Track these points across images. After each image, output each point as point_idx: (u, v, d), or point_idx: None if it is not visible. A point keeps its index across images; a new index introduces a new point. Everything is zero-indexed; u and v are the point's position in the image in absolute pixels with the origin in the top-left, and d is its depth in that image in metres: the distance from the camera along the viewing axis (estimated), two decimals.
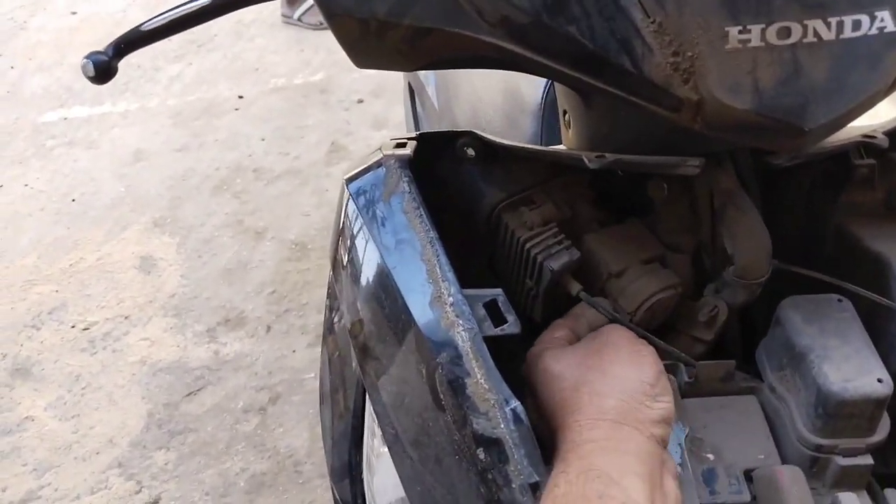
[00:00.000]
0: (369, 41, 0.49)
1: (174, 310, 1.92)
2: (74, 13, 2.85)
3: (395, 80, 1.85)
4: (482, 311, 0.50)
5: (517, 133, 1.03)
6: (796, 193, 0.64)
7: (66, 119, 2.48)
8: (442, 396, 0.47)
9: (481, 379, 0.46)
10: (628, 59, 0.42)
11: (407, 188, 0.52)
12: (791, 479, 0.52)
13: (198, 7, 0.57)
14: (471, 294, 0.50)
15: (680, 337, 0.62)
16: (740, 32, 0.40)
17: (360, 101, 2.45)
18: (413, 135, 0.62)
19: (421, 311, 0.49)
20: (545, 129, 0.92)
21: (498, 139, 0.61)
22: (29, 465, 1.64)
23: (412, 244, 0.51)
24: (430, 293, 0.49)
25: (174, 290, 1.97)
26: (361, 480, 0.56)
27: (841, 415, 0.52)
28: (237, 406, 1.73)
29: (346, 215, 0.55)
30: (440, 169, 0.63)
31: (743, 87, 0.41)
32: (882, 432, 0.53)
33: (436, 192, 0.64)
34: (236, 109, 2.47)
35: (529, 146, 0.60)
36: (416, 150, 0.60)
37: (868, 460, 0.53)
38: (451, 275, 0.49)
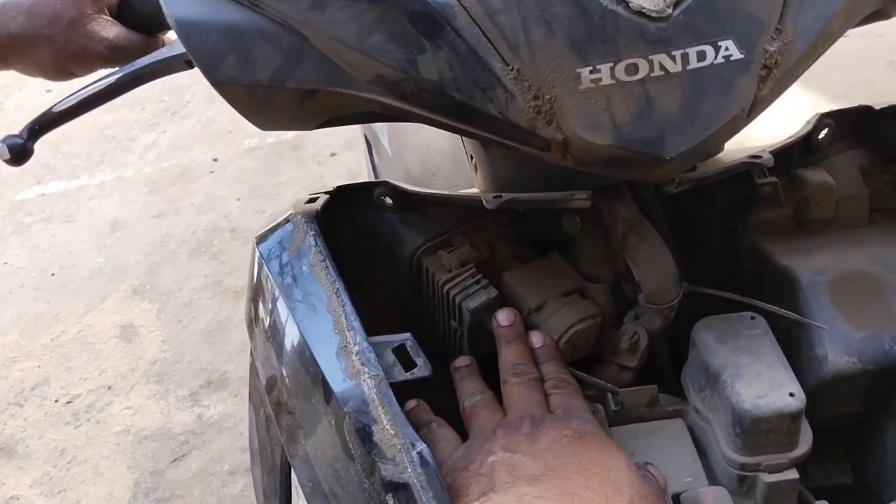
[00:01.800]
0: (259, 106, 0.51)
1: (156, 376, 1.92)
2: (49, 91, 2.90)
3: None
4: (391, 357, 0.51)
5: (464, 175, 1.05)
6: (712, 217, 0.65)
7: (43, 195, 2.51)
8: (351, 445, 0.47)
9: (387, 425, 0.47)
10: (494, 107, 0.44)
11: (313, 242, 0.54)
12: (716, 500, 0.52)
13: (106, 85, 0.59)
14: (378, 341, 0.51)
15: (607, 366, 0.63)
16: (591, 72, 0.41)
17: (333, 155, 2.48)
18: (329, 189, 0.64)
19: (328, 362, 0.49)
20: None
21: (412, 187, 0.63)
22: None
23: (318, 296, 0.52)
24: (337, 343, 0.50)
25: (155, 356, 1.97)
26: None
27: (758, 432, 0.52)
28: (223, 468, 1.72)
29: (257, 274, 0.56)
30: (361, 219, 0.65)
31: (601, 123, 0.42)
32: (804, 445, 0.54)
33: (359, 242, 0.65)
34: (211, 172, 2.50)
35: (441, 192, 0.62)
36: (331, 204, 0.61)
37: (793, 475, 0.53)
38: (356, 323, 0.50)
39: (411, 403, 0.55)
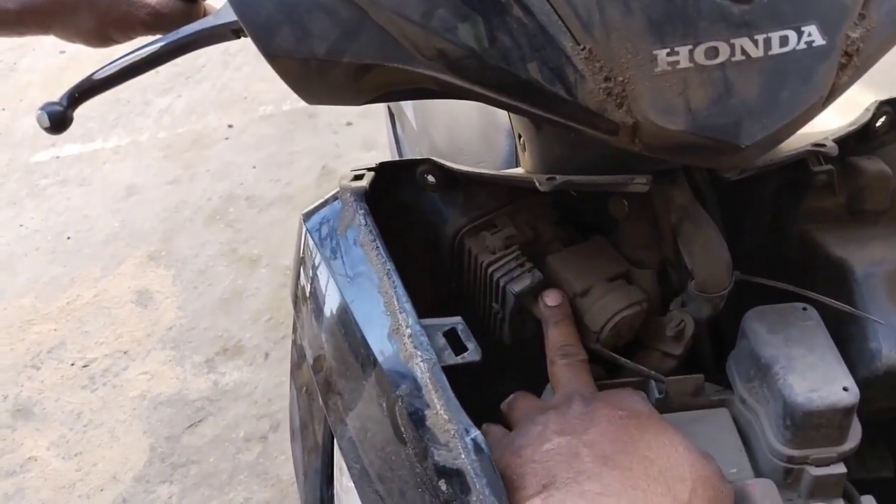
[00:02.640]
0: (312, 80, 0.49)
1: (172, 342, 1.93)
2: (63, 52, 2.87)
3: (380, 104, 1.87)
4: (442, 341, 0.50)
5: (492, 152, 1.04)
6: (760, 203, 0.64)
7: (58, 158, 2.50)
8: (403, 429, 0.47)
9: (441, 410, 0.46)
10: (562, 87, 0.43)
11: (363, 221, 0.53)
12: (763, 493, 0.52)
13: (148, 53, 0.57)
14: (430, 324, 0.50)
15: (650, 353, 0.62)
16: (668, 55, 0.40)
17: (349, 124, 2.46)
18: (373, 165, 0.62)
19: (379, 344, 0.49)
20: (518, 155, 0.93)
21: (457, 166, 0.62)
22: None
23: (369, 277, 0.51)
24: (388, 325, 0.49)
25: (171, 322, 1.97)
26: None
27: (809, 425, 0.51)
28: (238, 436, 1.73)
29: (305, 251, 0.55)
30: (403, 197, 0.64)
31: (676, 108, 0.41)
32: (853, 440, 0.53)
33: (399, 220, 0.64)
34: (226, 139, 2.48)
35: (486, 171, 0.60)
36: (375, 181, 0.60)
37: (841, 469, 0.53)
38: (408, 306, 0.49)
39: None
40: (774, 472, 0.55)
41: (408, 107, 1.29)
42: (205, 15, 0.66)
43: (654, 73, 0.40)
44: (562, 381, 0.54)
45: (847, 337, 0.57)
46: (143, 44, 0.59)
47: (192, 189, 2.32)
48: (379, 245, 0.52)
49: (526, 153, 0.61)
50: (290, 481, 1.62)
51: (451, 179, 0.62)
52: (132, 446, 1.73)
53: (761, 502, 0.51)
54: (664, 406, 0.59)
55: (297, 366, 0.61)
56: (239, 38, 0.58)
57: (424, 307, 0.55)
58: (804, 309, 0.56)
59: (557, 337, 0.57)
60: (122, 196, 2.34)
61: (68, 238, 2.22)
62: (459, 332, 0.51)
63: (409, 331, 0.48)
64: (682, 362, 0.63)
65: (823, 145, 0.52)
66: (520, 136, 0.61)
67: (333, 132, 2.44)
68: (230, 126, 2.53)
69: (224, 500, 1.62)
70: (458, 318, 0.51)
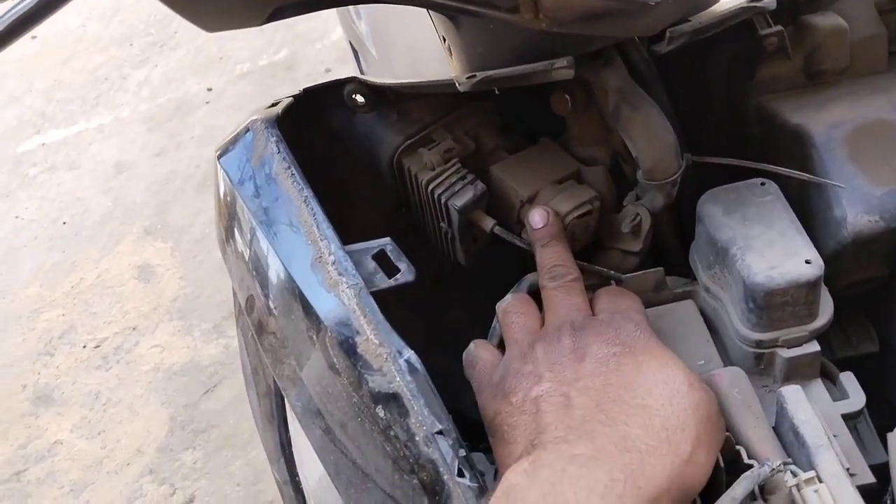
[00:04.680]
0: (198, 3, 0.46)
1: (179, 312, 1.93)
2: (34, 37, 2.82)
3: None
4: (372, 265, 0.48)
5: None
6: (714, 79, 0.60)
7: (43, 145, 2.47)
8: (335, 360, 0.45)
9: (371, 335, 0.44)
10: None
11: (275, 149, 0.49)
12: (731, 382, 0.49)
13: (24, 10, 0.53)
14: (356, 249, 0.48)
15: (609, 253, 0.59)
16: None
17: (328, 71, 2.40)
18: (295, 92, 0.59)
19: (302, 275, 0.46)
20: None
21: (382, 80, 0.58)
22: (65, 487, 1.68)
23: (286, 207, 0.48)
24: (311, 255, 0.47)
25: (175, 293, 1.97)
26: (293, 458, 0.55)
27: (773, 305, 0.48)
28: None
29: (221, 190, 0.52)
30: (334, 122, 0.60)
31: None
32: (824, 316, 0.50)
33: (336, 146, 0.61)
34: (207, 103, 2.44)
35: (413, 81, 0.57)
36: (301, 108, 0.57)
37: (814, 347, 0.50)
38: (329, 232, 0.47)
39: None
40: (746, 360, 0.52)
41: (367, 39, 1.24)
42: None
43: None
44: (552, 307, 0.50)
45: (812, 208, 0.53)
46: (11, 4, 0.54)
47: (180, 158, 2.29)
48: (294, 172, 0.49)
49: (452, 57, 0.57)
50: None
51: (381, 96, 0.59)
52: (152, 418, 1.75)
53: (728, 391, 0.49)
54: None
55: (239, 312, 0.59)
56: None
57: (374, 236, 0.52)
58: (762, 184, 0.53)
59: (546, 259, 0.53)
60: (111, 174, 2.32)
61: (64, 223, 2.22)
62: (389, 253, 0.48)
63: (332, 258, 0.46)
64: (646, 258, 0.59)
65: (760, 0, 0.47)
66: (444, 39, 0.57)
67: (313, 81, 2.36)
68: (209, 89, 2.48)
69: (248, 459, 1.64)
70: (386, 239, 0.49)
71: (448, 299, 0.59)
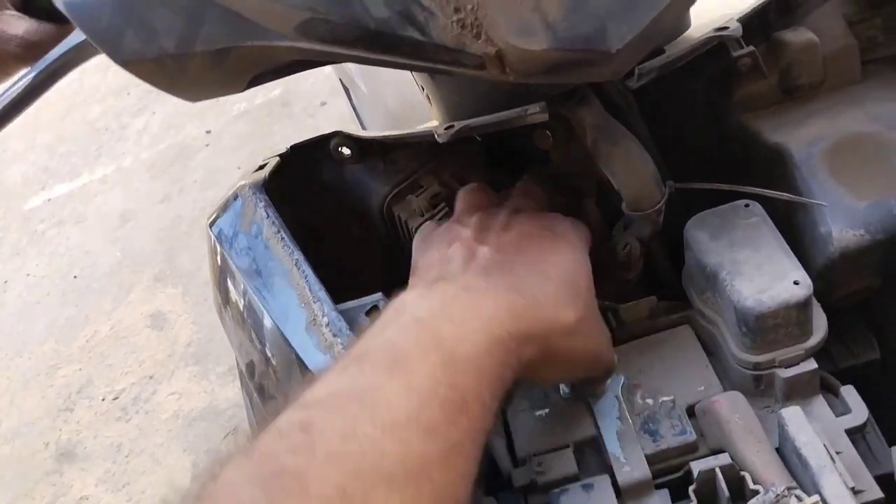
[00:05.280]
0: (175, 77, 0.47)
1: (193, 358, 1.94)
2: None
3: None
4: (366, 321, 0.48)
5: None
6: (692, 104, 0.60)
7: (49, 200, 2.51)
8: None
9: None
10: (414, 29, 0.39)
11: (265, 214, 0.50)
12: (731, 407, 0.49)
13: (25, 86, 0.55)
14: (349, 307, 0.49)
15: (603, 282, 0.59)
16: None
17: (324, 104, 2.43)
18: (282, 150, 0.60)
19: (299, 339, 0.47)
20: None
21: (368, 133, 0.59)
22: None
23: (279, 271, 0.49)
24: (305, 318, 0.47)
25: (189, 338, 1.99)
26: None
27: (765, 328, 0.48)
28: None
29: (215, 258, 0.53)
30: (325, 173, 0.61)
31: (533, 26, 0.38)
32: (819, 333, 0.50)
33: (328, 199, 0.62)
34: (207, 146, 2.47)
35: (397, 133, 0.58)
36: (286, 166, 0.58)
37: (811, 365, 0.50)
38: (321, 294, 0.47)
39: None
40: (745, 382, 0.52)
41: (357, 74, 1.25)
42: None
43: None
44: (515, 192, 0.53)
45: (798, 226, 0.54)
46: (16, 79, 0.56)
47: (184, 203, 2.32)
48: (284, 235, 0.49)
49: (432, 105, 0.58)
50: None
51: (367, 148, 0.60)
52: (175, 466, 1.76)
53: (729, 417, 0.49)
54: (624, 334, 0.57)
55: (240, 374, 0.60)
56: (96, 54, 0.55)
57: (369, 285, 0.53)
58: (746, 206, 0.53)
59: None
60: (117, 224, 2.35)
61: (75, 277, 2.24)
62: (381, 309, 0.48)
63: (325, 319, 0.47)
64: (642, 285, 0.60)
65: (726, 27, 0.48)
66: (423, 89, 0.58)
67: (309, 115, 2.41)
68: (208, 132, 2.51)
69: None
70: (378, 295, 0.49)
71: None
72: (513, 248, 0.47)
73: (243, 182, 0.54)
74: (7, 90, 0.58)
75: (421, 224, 0.57)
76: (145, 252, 2.23)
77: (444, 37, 0.40)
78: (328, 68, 2.46)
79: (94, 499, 1.75)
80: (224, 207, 0.53)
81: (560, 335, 0.44)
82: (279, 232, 0.49)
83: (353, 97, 1.41)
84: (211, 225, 0.54)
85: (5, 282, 2.31)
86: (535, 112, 0.46)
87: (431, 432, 0.33)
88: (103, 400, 1.93)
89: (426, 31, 0.40)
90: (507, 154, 0.64)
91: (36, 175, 2.61)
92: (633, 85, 0.47)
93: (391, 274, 0.62)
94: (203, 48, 0.45)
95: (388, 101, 1.17)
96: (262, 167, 0.56)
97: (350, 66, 1.36)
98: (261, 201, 0.51)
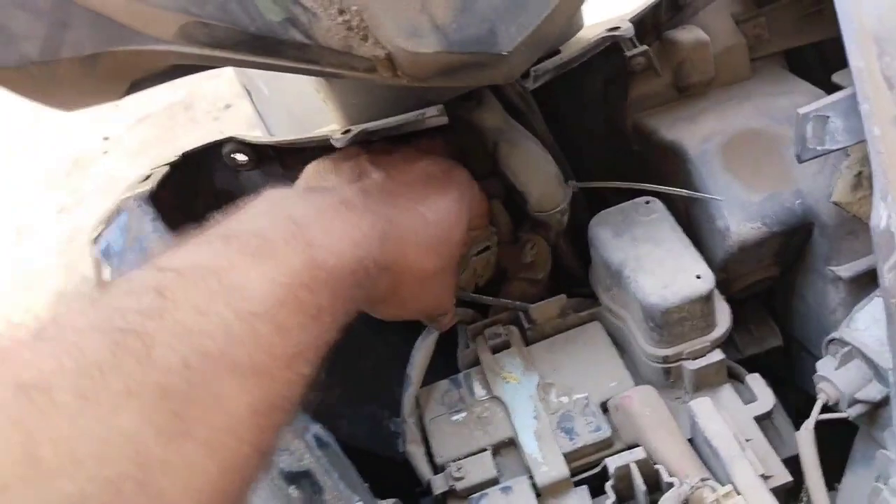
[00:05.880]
0: (44, 85, 0.43)
1: None
2: None
3: None
4: None
5: None
6: (591, 103, 0.60)
7: None
8: None
9: None
10: (297, 31, 0.38)
11: (150, 227, 0.47)
12: (641, 401, 0.50)
13: None
14: None
15: (514, 283, 0.59)
16: None
17: (228, 107, 2.35)
18: (172, 158, 0.57)
19: None
20: None
21: (261, 139, 0.56)
22: None
23: None
24: None
25: None
26: None
27: (671, 322, 0.49)
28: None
29: (99, 277, 0.50)
30: (219, 181, 0.59)
31: (422, 28, 0.37)
32: (723, 325, 0.51)
33: (220, 204, 0.59)
34: (105, 153, 2.35)
35: (291, 138, 0.55)
36: (171, 176, 0.55)
37: (718, 356, 0.51)
38: None
39: None
40: (655, 375, 0.53)
41: (258, 77, 1.21)
42: None
43: None
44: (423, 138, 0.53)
45: (697, 221, 0.55)
46: None
47: (83, 214, 2.20)
48: None
49: (329, 109, 0.56)
50: None
51: (263, 153, 0.57)
52: None
53: (640, 411, 0.49)
54: (536, 333, 0.57)
55: None
56: None
57: None
58: (647, 203, 0.53)
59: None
60: (14, 241, 2.21)
61: None
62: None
63: None
64: (552, 284, 0.60)
65: (618, 27, 0.48)
66: (319, 92, 0.56)
67: (214, 119, 2.33)
68: (106, 138, 2.39)
69: None
70: None
71: (360, 345, 0.58)
72: (403, 181, 0.47)
73: (128, 195, 0.50)
74: None
75: None
76: (44, 267, 2.10)
77: (329, 39, 0.38)
78: (230, 69, 2.39)
79: None
80: (108, 222, 0.50)
81: (416, 278, 0.45)
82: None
83: (254, 98, 1.36)
84: (95, 241, 0.50)
85: None
86: (433, 115, 0.45)
87: (283, 331, 0.32)
88: None
89: (310, 34, 0.38)
90: None
91: None
92: (529, 86, 0.47)
93: None
94: (70, 54, 0.42)
95: (291, 104, 1.13)
96: (147, 177, 0.52)
97: (251, 69, 1.32)
98: (147, 213, 0.48)
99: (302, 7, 0.37)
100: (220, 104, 2.35)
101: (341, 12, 0.37)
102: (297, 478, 0.42)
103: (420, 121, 0.46)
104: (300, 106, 1.12)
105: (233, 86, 2.38)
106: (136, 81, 0.46)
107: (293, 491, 0.42)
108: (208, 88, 2.40)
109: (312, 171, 0.50)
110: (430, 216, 0.47)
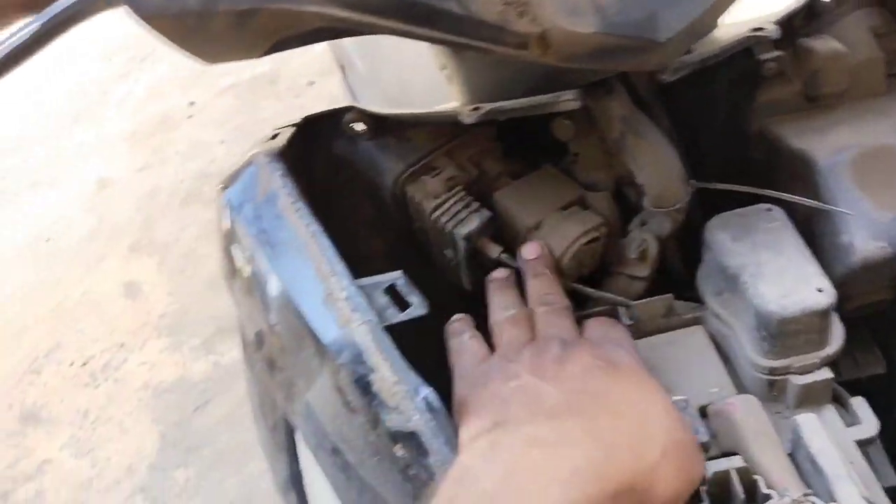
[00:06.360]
0: (195, 36, 0.45)
1: (167, 329, 1.90)
2: None
3: None
4: (383, 299, 0.47)
5: (445, 92, 0.98)
6: (714, 104, 0.60)
7: (25, 161, 2.44)
8: (350, 398, 0.44)
9: (387, 372, 0.43)
10: (454, 2, 0.38)
11: (280, 183, 0.49)
12: (745, 410, 0.49)
13: (28, 37, 0.52)
14: (367, 283, 0.47)
15: (616, 279, 0.59)
16: None
17: (311, 83, 2.39)
18: (296, 120, 0.58)
19: (315, 312, 0.46)
20: None
21: (383, 110, 0.57)
22: None
23: (295, 243, 0.48)
24: (322, 291, 0.46)
25: (163, 309, 1.95)
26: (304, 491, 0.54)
27: (786, 333, 0.48)
28: (246, 411, 1.72)
29: (226, 223, 0.52)
30: (336, 149, 0.60)
31: (583, 8, 0.37)
32: (836, 342, 0.50)
33: (338, 173, 0.60)
34: (190, 117, 2.42)
35: (415, 111, 0.56)
36: (302, 137, 0.56)
37: (826, 374, 0.50)
38: (340, 267, 0.46)
39: (458, 317, 0.51)
40: (758, 386, 0.52)
41: (354, 54, 1.23)
42: None
43: None
44: (542, 326, 0.49)
45: (818, 233, 0.53)
46: (19, 27, 0.53)
47: (164, 173, 2.27)
48: (301, 206, 0.48)
49: (454, 85, 0.56)
50: None
51: (382, 124, 0.58)
52: (143, 436, 1.73)
53: (744, 420, 0.49)
54: (636, 331, 0.56)
55: (245, 344, 0.59)
56: (114, 6, 0.53)
57: (378, 264, 0.52)
58: (769, 210, 0.53)
59: (538, 287, 0.52)
60: (94, 191, 2.29)
61: (48, 240, 2.19)
62: (400, 288, 0.47)
63: (343, 294, 0.45)
64: (654, 283, 0.59)
65: (763, 29, 0.47)
66: (444, 68, 0.57)
67: (296, 95, 2.37)
68: (192, 103, 2.46)
69: (241, 476, 1.62)
70: (398, 273, 0.48)
71: None
72: (577, 384, 0.42)
73: (257, 150, 0.52)
74: (6, 40, 0.55)
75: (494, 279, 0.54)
76: (122, 220, 2.18)
77: (484, 12, 0.38)
78: (319, 48, 2.42)
79: (56, 462, 1.72)
80: (237, 174, 0.52)
81: (649, 474, 0.40)
82: (295, 202, 0.48)
83: (348, 75, 1.38)
84: (223, 190, 0.52)
85: None
86: (569, 99, 0.45)
87: None
88: (71, 365, 1.89)
89: (466, 6, 0.38)
90: (521, 143, 0.63)
91: (11, 134, 2.54)
92: (666, 79, 0.47)
93: (399, 253, 0.61)
94: (227, 7, 0.43)
95: (387, 85, 1.15)
96: (275, 136, 0.54)
97: (347, 45, 1.34)
98: (277, 170, 0.49)
99: None
100: (304, 81, 2.39)
101: None
102: (404, 438, 0.43)
103: (554, 103, 0.46)
104: (395, 86, 1.13)
105: (316, 64, 2.42)
106: (279, 41, 0.48)
107: (398, 450, 0.43)
108: (293, 65, 2.45)
109: (469, 388, 0.45)
110: (623, 407, 0.42)
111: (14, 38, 0.52)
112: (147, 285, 2.01)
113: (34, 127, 2.54)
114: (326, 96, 2.33)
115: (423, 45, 1.06)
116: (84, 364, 1.89)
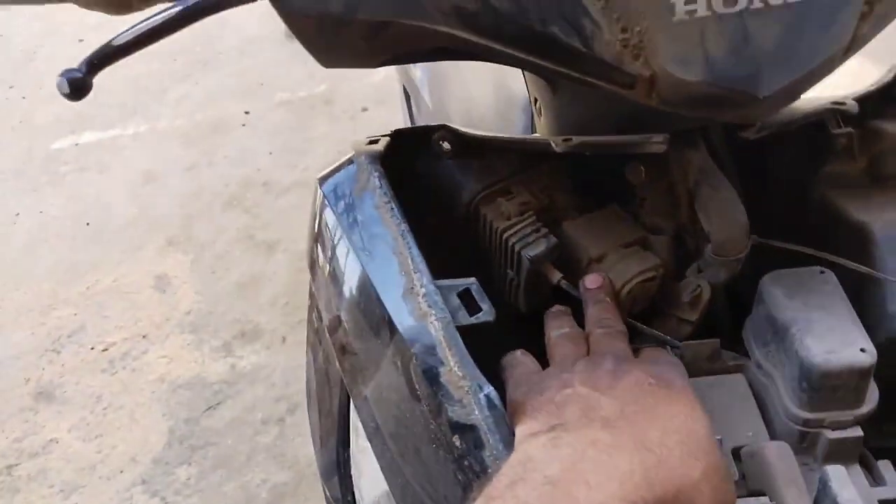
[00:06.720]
0: (327, 39, 0.49)
1: (190, 326, 1.94)
2: (81, 41, 2.90)
3: (397, 88, 1.86)
4: (456, 301, 0.50)
5: (508, 127, 1.03)
6: (779, 167, 0.63)
7: (77, 145, 2.52)
8: (417, 386, 0.47)
9: (455, 367, 0.46)
10: (578, 39, 0.42)
11: (378, 183, 0.53)
12: (778, 455, 0.52)
13: (167, 17, 0.57)
14: (444, 284, 0.51)
15: (666, 319, 0.62)
16: (686, 3, 0.39)
17: (365, 110, 2.46)
18: (388, 132, 0.62)
19: (394, 303, 0.49)
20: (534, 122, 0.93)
21: (471, 131, 0.61)
22: (56, 486, 1.67)
23: (384, 239, 0.51)
24: (403, 285, 0.49)
25: (190, 306, 1.99)
26: (350, 477, 0.56)
27: (825, 387, 0.51)
28: (256, 418, 1.74)
29: (320, 215, 0.55)
30: (418, 165, 0.64)
31: (693, 58, 0.41)
32: (870, 403, 0.53)
33: (414, 187, 0.64)
34: (243, 125, 2.49)
35: (501, 136, 0.60)
36: (390, 147, 0.60)
37: (857, 432, 0.52)
38: (423, 266, 0.50)
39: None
40: (790, 436, 0.54)
41: (423, 85, 1.29)
42: None
43: (672, 22, 0.40)
44: (598, 345, 0.52)
45: (866, 300, 0.56)
46: (161, 8, 0.59)
47: (210, 175, 2.33)
48: (394, 207, 0.52)
49: (542, 117, 0.61)
50: (307, 463, 1.63)
51: (466, 146, 0.62)
52: (151, 429, 1.75)
53: (776, 464, 0.51)
54: None
55: (313, 331, 0.62)
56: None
57: (438, 277, 0.55)
58: (822, 272, 0.56)
59: (597, 312, 0.55)
60: (140, 182, 2.36)
61: (87, 224, 2.25)
62: (474, 293, 0.51)
63: (423, 290, 0.49)
64: (698, 328, 0.62)
65: (843, 103, 0.51)
66: (535, 101, 0.61)
67: (350, 118, 2.45)
68: (247, 113, 2.54)
69: (242, 481, 1.64)
70: (472, 280, 0.52)
71: (507, 344, 0.62)
72: (630, 398, 0.45)
73: (357, 151, 0.56)
74: (147, 19, 0.60)
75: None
76: (163, 214, 2.24)
77: (604, 51, 0.42)
78: (378, 75, 2.49)
79: (63, 443, 1.74)
80: (337, 169, 0.56)
81: (690, 490, 0.42)
82: (390, 202, 0.52)
83: (413, 107, 1.44)
84: (322, 182, 0.56)
85: (17, 214, 2.31)
86: (657, 142, 0.49)
87: None
88: (92, 349, 1.92)
89: (589, 43, 0.42)
90: (589, 182, 0.66)
91: (68, 118, 2.63)
92: (749, 136, 0.50)
93: (457, 268, 0.64)
94: (364, 17, 0.47)
95: (453, 116, 1.20)
96: (374, 141, 0.58)
97: (417, 76, 1.40)
98: (376, 171, 0.53)
99: (590, 18, 0.42)
100: (359, 106, 2.46)
101: (623, 30, 0.41)
102: (463, 430, 0.45)
103: (642, 144, 0.50)
104: (461, 120, 1.18)
105: (372, 91, 2.50)
106: (398, 55, 0.52)
107: (456, 440, 0.45)
108: (349, 89, 2.53)
109: (523, 394, 0.47)
110: (672, 423, 0.44)
111: (155, 19, 0.57)
112: (177, 280, 2.06)
113: (91, 112, 2.62)
114: (378, 123, 2.40)
115: (491, 86, 1.12)
116: (105, 350, 1.92)
